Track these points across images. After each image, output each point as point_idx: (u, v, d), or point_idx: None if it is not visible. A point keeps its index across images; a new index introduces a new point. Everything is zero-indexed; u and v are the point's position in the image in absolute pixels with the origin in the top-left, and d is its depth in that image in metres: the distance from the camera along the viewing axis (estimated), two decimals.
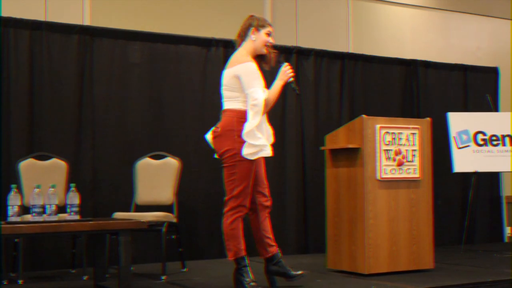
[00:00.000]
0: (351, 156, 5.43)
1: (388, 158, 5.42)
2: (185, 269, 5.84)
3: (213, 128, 4.76)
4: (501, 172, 8.16)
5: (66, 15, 6.51)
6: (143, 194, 6.01)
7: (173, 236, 5.75)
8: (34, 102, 6.15)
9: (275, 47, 7.21)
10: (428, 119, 5.75)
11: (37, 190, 4.48)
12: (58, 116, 6.24)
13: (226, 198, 4.66)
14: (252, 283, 4.56)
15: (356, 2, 8.23)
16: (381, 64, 8.04)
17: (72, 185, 4.66)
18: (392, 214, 5.43)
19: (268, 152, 4.62)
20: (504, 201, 8.57)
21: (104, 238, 5.05)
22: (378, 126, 5.40)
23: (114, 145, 6.47)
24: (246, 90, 4.59)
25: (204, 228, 6.79)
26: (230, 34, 7.11)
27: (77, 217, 4.58)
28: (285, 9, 7.76)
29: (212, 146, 4.79)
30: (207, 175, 6.83)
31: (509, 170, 7.47)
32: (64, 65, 6.31)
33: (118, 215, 5.59)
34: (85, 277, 5.49)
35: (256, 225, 4.83)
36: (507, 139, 7.47)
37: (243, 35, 4.83)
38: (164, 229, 5.46)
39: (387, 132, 5.44)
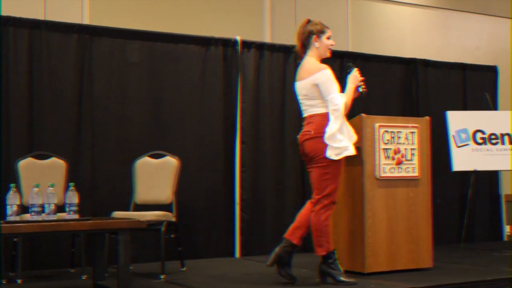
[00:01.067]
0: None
1: (387, 157, 5.42)
2: (184, 268, 5.84)
3: (303, 131, 4.92)
4: (500, 170, 8.16)
5: (66, 14, 6.51)
6: (142, 193, 6.01)
7: (172, 235, 5.75)
8: (33, 101, 6.14)
9: (274, 46, 7.32)
10: (427, 118, 5.75)
11: (36, 189, 4.48)
12: (57, 115, 6.24)
13: (317, 196, 4.85)
14: (343, 276, 4.83)
15: (356, 1, 8.23)
16: (380, 63, 8.04)
17: (71, 184, 4.66)
18: (391, 213, 5.43)
19: (351, 151, 4.81)
20: (503, 200, 8.57)
21: (103, 238, 5.06)
22: (377, 125, 5.40)
23: (113, 144, 6.47)
24: (326, 97, 4.79)
25: (203, 227, 6.79)
26: (229, 33, 7.16)
27: (76, 216, 4.59)
28: (284, 8, 7.76)
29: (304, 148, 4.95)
30: (206, 174, 6.84)
31: (508, 168, 7.47)
32: (64, 64, 6.30)
33: (117, 214, 5.59)
34: (84, 277, 5.50)
35: (306, 214, 4.94)
36: (506, 138, 7.47)
37: (306, 44, 4.96)
38: (163, 228, 5.46)
39: (386, 131, 5.44)
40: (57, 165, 5.87)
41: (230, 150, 7.00)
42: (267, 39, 7.58)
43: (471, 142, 7.41)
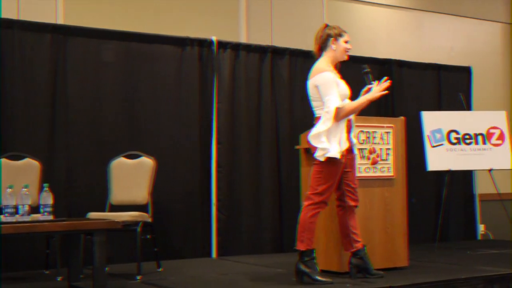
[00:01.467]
0: None
1: (362, 157, 5.45)
2: (160, 269, 5.82)
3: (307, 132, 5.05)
4: (474, 170, 8.24)
5: (39, 13, 6.45)
6: (117, 194, 5.97)
7: (148, 236, 5.71)
8: (7, 101, 6.08)
9: (250, 46, 7.32)
10: (402, 118, 5.79)
11: (9, 190, 4.44)
12: (31, 116, 6.18)
13: (309, 192, 4.95)
14: (319, 275, 4.88)
15: (331, 1, 8.26)
16: (355, 63, 7.99)
17: (46, 185, 4.62)
18: (367, 212, 5.46)
19: (332, 153, 4.78)
20: (477, 199, 8.65)
21: (78, 238, 5.02)
22: None
23: (88, 145, 6.42)
24: (323, 99, 4.86)
25: (179, 227, 6.77)
26: (205, 33, 7.14)
27: (51, 217, 4.55)
28: (260, 9, 7.77)
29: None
30: (182, 174, 6.82)
31: (482, 168, 7.54)
32: (37, 64, 6.25)
33: (93, 215, 5.54)
34: (59, 278, 5.44)
35: (343, 221, 5.12)
36: (480, 138, 7.54)
37: (323, 46, 5.07)
38: (139, 229, 5.42)
39: (362, 131, 5.47)
40: (31, 165, 5.81)
41: (206, 151, 6.99)
42: (243, 39, 7.58)
43: (446, 142, 7.47)
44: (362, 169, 5.44)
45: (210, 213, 6.94)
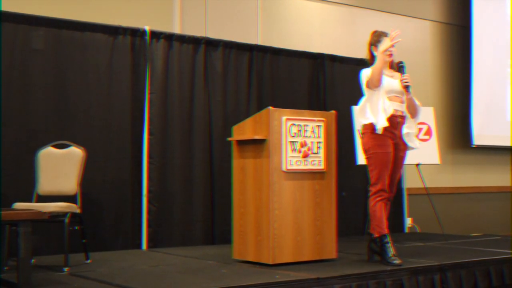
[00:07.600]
0: (257, 147, 5.47)
1: (293, 150, 5.49)
2: (88, 261, 5.74)
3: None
4: (403, 164, 8.40)
5: None
6: (45, 184, 5.85)
7: (77, 227, 5.63)
8: None
9: (183, 37, 7.27)
10: (333, 112, 5.85)
11: None
12: None
13: (370, 185, 5.54)
14: (394, 258, 5.36)
15: None
16: (289, 57, 8.12)
17: None
18: (297, 205, 5.50)
19: (381, 124, 5.38)
20: (405, 193, 8.84)
21: (3, 229, 4.90)
22: (284, 118, 5.45)
23: (16, 134, 6.26)
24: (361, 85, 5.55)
25: (108, 219, 6.68)
26: (137, 22, 7.05)
27: None
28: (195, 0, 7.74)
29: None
30: (113, 165, 6.73)
31: (410, 162, 7.70)
32: None
33: (19, 205, 5.41)
34: None
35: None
36: None
37: (371, 52, 5.70)
38: (67, 220, 5.34)
39: (293, 124, 5.51)
40: None
41: (138, 141, 6.92)
42: (177, 30, 7.53)
43: None
44: (294, 162, 5.48)
45: (141, 204, 6.87)
